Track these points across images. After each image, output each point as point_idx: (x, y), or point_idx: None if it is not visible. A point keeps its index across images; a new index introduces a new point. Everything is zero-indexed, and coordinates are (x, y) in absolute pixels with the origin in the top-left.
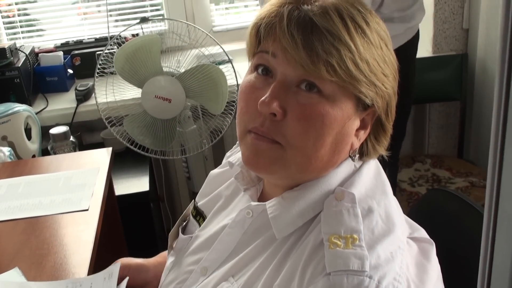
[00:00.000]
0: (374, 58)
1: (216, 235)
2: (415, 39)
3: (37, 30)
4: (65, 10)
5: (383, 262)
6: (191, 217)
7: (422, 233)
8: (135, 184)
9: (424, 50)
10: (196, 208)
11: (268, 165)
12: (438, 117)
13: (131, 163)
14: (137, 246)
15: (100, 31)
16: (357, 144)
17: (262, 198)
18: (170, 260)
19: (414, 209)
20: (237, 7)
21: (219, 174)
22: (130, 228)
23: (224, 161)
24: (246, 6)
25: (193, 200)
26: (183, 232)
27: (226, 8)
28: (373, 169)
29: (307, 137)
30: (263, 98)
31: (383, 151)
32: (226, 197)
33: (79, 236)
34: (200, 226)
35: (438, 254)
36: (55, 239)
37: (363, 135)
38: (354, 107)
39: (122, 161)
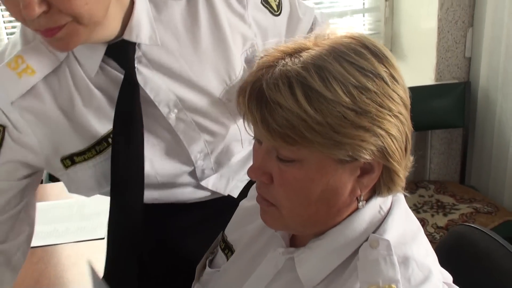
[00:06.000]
0: (336, 115)
1: (245, 272)
2: None
3: None
4: None
5: None
6: (219, 249)
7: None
8: None
9: (427, 78)
10: (225, 241)
11: (273, 224)
12: (440, 143)
13: None
14: None
15: None
16: (363, 190)
17: (294, 238)
18: None
19: (441, 246)
20: None
21: (250, 208)
22: None
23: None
24: None
25: (222, 232)
26: (210, 265)
27: None
28: (404, 212)
29: (291, 200)
30: (251, 165)
31: (397, 187)
32: (256, 232)
33: (97, 266)
34: (227, 260)
35: None
36: (73, 268)
37: (369, 180)
38: (334, 163)
39: None
